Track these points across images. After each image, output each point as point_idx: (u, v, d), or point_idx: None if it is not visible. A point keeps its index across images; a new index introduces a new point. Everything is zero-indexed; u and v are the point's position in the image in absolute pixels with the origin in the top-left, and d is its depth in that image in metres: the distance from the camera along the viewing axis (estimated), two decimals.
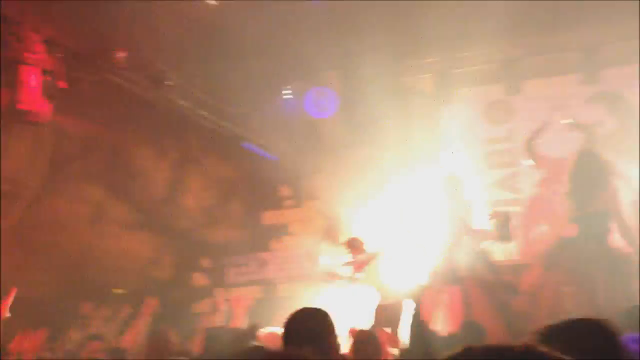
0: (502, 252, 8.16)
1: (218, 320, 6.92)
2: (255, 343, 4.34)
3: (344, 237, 8.55)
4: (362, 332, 4.83)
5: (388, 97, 9.36)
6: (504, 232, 6.82)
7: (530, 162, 7.52)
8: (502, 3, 7.64)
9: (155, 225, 9.67)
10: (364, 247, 7.97)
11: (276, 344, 3.32)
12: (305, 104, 9.16)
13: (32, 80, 6.01)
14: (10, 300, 4.84)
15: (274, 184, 10.31)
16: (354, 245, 8.03)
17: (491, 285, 7.24)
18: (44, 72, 6.16)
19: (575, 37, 8.83)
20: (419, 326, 4.39)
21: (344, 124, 9.43)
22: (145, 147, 9.01)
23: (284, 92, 9.29)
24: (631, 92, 8.68)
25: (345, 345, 4.47)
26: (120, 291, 9.43)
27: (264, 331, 4.96)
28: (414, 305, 4.58)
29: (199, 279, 10.67)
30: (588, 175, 6.60)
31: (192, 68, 8.35)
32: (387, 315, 6.94)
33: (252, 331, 4.96)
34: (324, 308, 3.26)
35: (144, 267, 9.79)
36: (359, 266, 7.78)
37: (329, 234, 8.89)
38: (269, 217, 10.56)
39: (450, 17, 8.23)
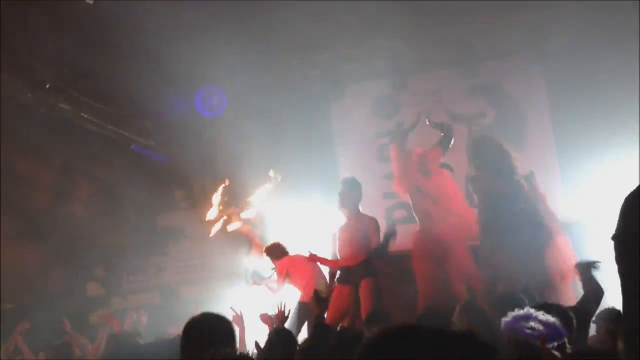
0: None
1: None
2: None
3: (257, 242, 8.55)
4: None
5: (278, 93, 9.41)
6: None
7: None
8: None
9: (42, 235, 9.28)
10: (284, 251, 8.00)
11: None
12: (195, 104, 9.03)
13: None
14: None
15: (167, 187, 10.11)
16: (273, 251, 8.05)
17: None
18: None
19: (453, 32, 9.16)
20: (318, 326, 4.42)
21: (236, 122, 9.38)
22: (28, 154, 8.63)
23: (172, 92, 9.12)
24: (509, 83, 9.10)
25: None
26: (9, 306, 9.01)
27: None
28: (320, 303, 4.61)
29: (94, 289, 10.32)
30: (491, 159, 6.80)
31: (73, 70, 8.07)
32: (305, 313, 6.93)
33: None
34: (224, 313, 3.25)
35: (33, 279, 9.38)
36: (280, 272, 7.80)
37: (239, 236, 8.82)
38: (164, 221, 10.36)
39: (335, 14, 8.35)
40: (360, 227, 6.81)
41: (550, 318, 2.98)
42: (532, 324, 2.96)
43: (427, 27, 9.00)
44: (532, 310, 3.06)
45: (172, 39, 7.84)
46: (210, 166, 9.41)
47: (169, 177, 9.66)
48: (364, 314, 6.21)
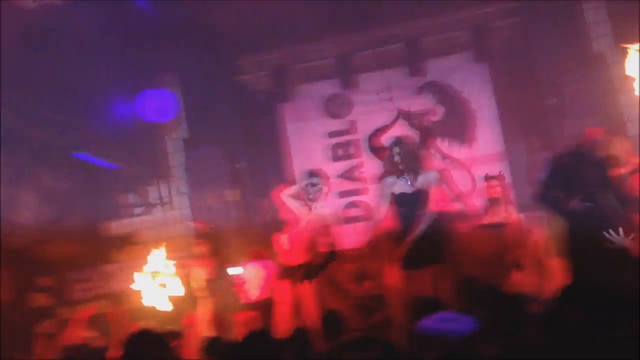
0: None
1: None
2: None
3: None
4: None
5: (228, 95, 9.33)
6: None
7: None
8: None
9: None
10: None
11: None
12: (144, 108, 8.85)
13: None
14: None
15: (115, 193, 9.88)
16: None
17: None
18: None
19: (400, 30, 9.29)
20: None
21: (187, 125, 9.26)
22: None
23: (119, 96, 8.91)
24: (456, 80, 9.28)
25: None
26: None
27: None
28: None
29: (40, 299, 9.98)
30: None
31: (14, 75, 7.78)
32: None
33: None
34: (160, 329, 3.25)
35: None
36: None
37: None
38: (112, 228, 10.11)
39: (282, 14, 8.35)
40: (314, 224, 6.66)
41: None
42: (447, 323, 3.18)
43: (376, 26, 9.09)
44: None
45: (120, 41, 7.66)
46: (162, 171, 9.26)
47: (119, 184, 9.43)
48: (311, 315, 6.11)
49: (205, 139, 9.22)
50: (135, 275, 7.94)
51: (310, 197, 6.22)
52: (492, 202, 6.84)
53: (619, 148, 6.76)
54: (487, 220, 6.80)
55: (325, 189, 6.32)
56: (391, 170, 5.95)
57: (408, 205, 5.83)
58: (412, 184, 5.86)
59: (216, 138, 9.30)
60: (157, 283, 8.19)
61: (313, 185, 6.24)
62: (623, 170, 6.60)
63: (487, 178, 7.01)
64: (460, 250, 6.01)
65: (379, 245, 6.21)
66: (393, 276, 5.97)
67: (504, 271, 6.47)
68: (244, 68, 9.50)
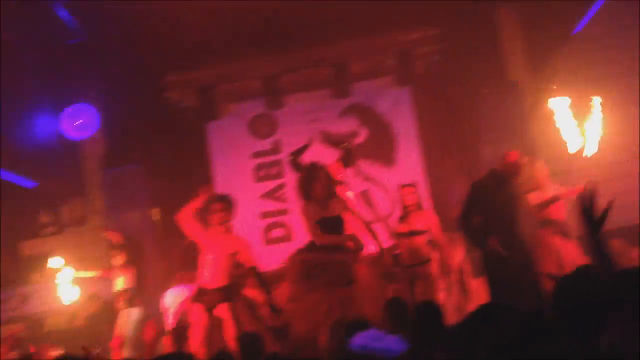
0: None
1: None
2: None
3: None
4: None
5: (153, 113, 9.21)
6: None
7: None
8: (250, 20, 7.98)
9: None
10: None
11: None
12: (64, 124, 8.60)
13: None
14: None
15: (32, 211, 9.56)
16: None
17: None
18: None
19: (326, 52, 9.44)
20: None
21: (108, 142, 9.07)
22: None
23: (38, 111, 8.65)
24: (380, 103, 9.47)
25: None
26: None
27: None
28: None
29: None
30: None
31: None
32: None
33: None
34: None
35: None
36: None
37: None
38: (29, 247, 9.76)
39: (210, 33, 8.34)
40: (227, 248, 6.53)
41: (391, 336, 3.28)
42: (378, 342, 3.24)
43: (303, 48, 9.20)
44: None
45: (39, 55, 7.46)
46: (80, 189, 9.01)
47: (35, 201, 9.13)
48: (229, 338, 6.04)
49: (126, 157, 9.05)
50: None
51: (220, 221, 6.18)
52: (409, 209, 6.93)
53: (537, 171, 7.07)
54: (406, 228, 6.90)
55: (232, 212, 6.28)
56: (305, 194, 6.03)
57: (329, 228, 5.92)
58: (330, 209, 5.96)
59: (137, 156, 9.14)
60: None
61: (222, 209, 6.19)
62: (544, 197, 6.90)
63: (403, 186, 7.12)
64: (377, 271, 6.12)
65: (298, 267, 6.24)
66: (308, 298, 6.02)
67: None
68: (170, 85, 9.41)
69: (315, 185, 5.96)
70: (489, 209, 6.04)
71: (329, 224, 5.94)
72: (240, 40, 8.65)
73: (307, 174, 6.09)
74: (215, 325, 6.14)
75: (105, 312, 8.41)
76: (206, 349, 5.79)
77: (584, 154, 6.88)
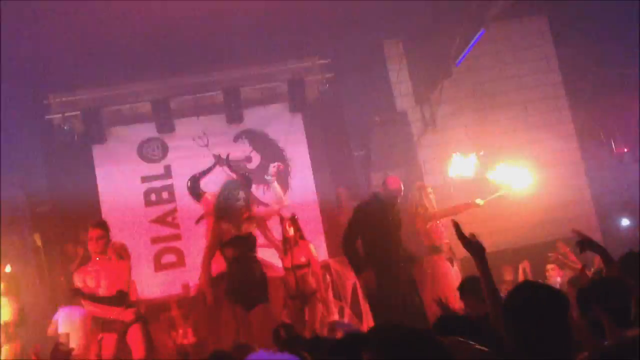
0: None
1: None
2: None
3: None
4: None
5: (36, 135, 8.79)
6: None
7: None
8: (139, 42, 7.86)
9: None
10: None
11: None
12: None
13: None
14: None
15: None
16: None
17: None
18: None
19: (218, 77, 9.42)
20: None
21: None
22: None
23: None
24: (272, 129, 9.55)
25: None
26: None
27: None
28: None
29: None
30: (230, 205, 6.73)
31: None
32: None
33: None
34: None
35: None
36: None
37: None
38: None
39: (97, 54, 8.12)
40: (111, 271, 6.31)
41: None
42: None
43: (194, 72, 9.14)
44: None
45: None
46: None
47: None
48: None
49: (6, 180, 8.54)
50: None
51: (101, 249, 5.95)
52: (291, 242, 6.99)
53: (426, 196, 7.37)
54: (289, 262, 6.93)
55: (110, 238, 6.11)
56: (224, 212, 5.97)
57: (238, 248, 5.89)
58: (239, 228, 5.95)
59: (18, 179, 8.67)
60: None
61: (101, 237, 5.97)
62: (432, 222, 7.20)
63: (281, 220, 7.17)
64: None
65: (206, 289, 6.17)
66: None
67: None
68: (54, 107, 9.01)
69: (234, 205, 5.93)
70: (370, 233, 6.23)
71: (240, 243, 5.91)
72: (128, 62, 8.48)
73: (226, 193, 6.04)
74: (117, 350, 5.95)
75: None
76: None
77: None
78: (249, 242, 5.99)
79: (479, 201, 7.22)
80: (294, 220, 7.08)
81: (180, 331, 7.68)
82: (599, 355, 1.57)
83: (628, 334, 1.81)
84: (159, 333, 7.36)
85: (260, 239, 6.58)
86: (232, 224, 6.01)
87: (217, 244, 5.96)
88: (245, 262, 5.93)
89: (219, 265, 6.20)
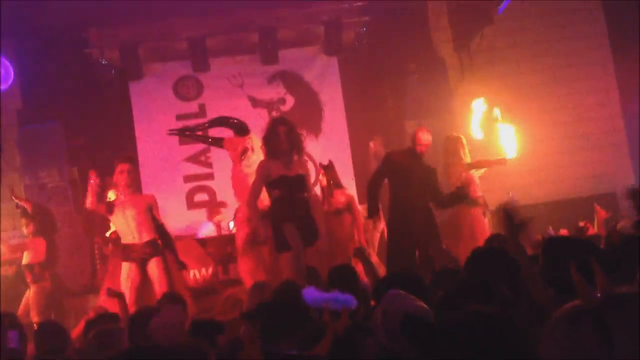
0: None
1: None
2: None
3: None
4: None
5: (73, 69, 8.84)
6: None
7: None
8: None
9: None
10: None
11: None
12: None
13: None
14: None
15: None
16: None
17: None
18: None
19: (254, 17, 9.32)
20: None
21: (23, 96, 8.65)
22: None
23: None
24: (307, 72, 9.49)
25: None
26: None
27: None
28: None
29: None
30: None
31: None
32: None
33: None
34: None
35: None
36: None
37: None
38: None
39: None
40: (142, 205, 6.49)
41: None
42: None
43: (231, 11, 9.05)
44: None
45: None
46: None
47: None
48: (158, 293, 6.02)
49: (43, 113, 8.65)
50: None
51: (128, 182, 6.25)
52: (322, 192, 7.13)
53: (461, 148, 7.26)
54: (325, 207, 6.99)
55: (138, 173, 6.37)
56: (273, 150, 5.92)
57: (288, 187, 5.88)
58: (290, 167, 5.88)
59: (55, 112, 8.76)
60: None
61: (128, 171, 6.26)
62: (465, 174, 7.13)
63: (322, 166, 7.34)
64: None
65: (251, 228, 6.28)
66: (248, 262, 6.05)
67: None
68: (92, 41, 9.02)
69: (281, 140, 5.85)
70: (395, 180, 6.35)
71: (288, 183, 5.86)
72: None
73: (271, 128, 6.01)
74: (144, 282, 6.13)
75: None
76: (137, 307, 5.74)
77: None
78: (297, 183, 5.89)
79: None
80: (327, 169, 7.15)
81: (211, 269, 7.81)
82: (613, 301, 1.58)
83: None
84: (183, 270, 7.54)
85: None
86: (281, 163, 5.90)
87: (263, 182, 5.92)
88: (289, 203, 5.82)
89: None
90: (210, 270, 7.79)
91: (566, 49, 9.09)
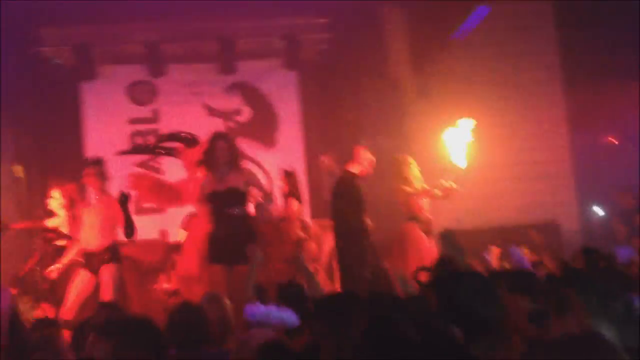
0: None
1: None
2: None
3: None
4: None
5: (23, 67, 8.64)
6: None
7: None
8: None
9: None
10: None
11: None
12: None
13: None
14: None
15: None
16: None
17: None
18: None
19: (213, 27, 9.28)
20: None
21: None
22: None
23: None
24: (265, 84, 9.48)
25: None
26: None
27: None
28: None
29: None
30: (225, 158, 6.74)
31: None
32: None
33: None
34: None
35: None
36: None
37: None
38: None
39: None
40: (106, 209, 6.43)
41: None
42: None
43: (191, 18, 8.98)
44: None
45: None
46: None
47: None
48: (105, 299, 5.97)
49: None
50: None
51: (95, 185, 6.26)
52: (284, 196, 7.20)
53: (407, 168, 7.31)
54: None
55: (105, 176, 6.37)
56: (209, 164, 5.94)
57: (221, 203, 5.86)
58: (222, 181, 5.90)
59: (2, 109, 8.53)
60: None
61: (95, 174, 6.27)
62: (412, 193, 7.15)
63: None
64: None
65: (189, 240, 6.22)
66: (189, 270, 5.99)
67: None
68: (44, 39, 8.84)
69: (218, 155, 5.88)
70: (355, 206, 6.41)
71: (219, 198, 5.86)
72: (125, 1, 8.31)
73: (211, 142, 6.03)
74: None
75: None
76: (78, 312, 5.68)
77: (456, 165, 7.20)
78: (228, 197, 5.91)
79: (436, 192, 7.13)
80: (289, 176, 7.18)
81: (160, 277, 7.71)
82: None
83: None
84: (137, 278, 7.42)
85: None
86: (214, 177, 5.94)
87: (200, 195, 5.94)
88: (220, 217, 5.86)
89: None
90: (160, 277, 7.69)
91: (520, 78, 9.25)
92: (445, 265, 4.52)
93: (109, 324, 3.01)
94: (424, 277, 4.43)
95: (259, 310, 3.72)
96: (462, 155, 7.15)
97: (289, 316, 3.67)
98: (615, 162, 9.46)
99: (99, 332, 2.88)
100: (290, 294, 4.29)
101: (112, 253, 6.20)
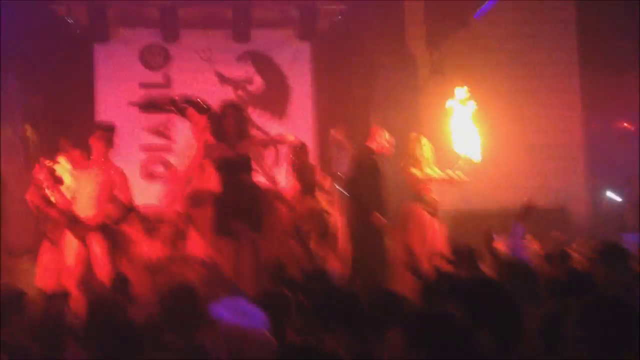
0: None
1: None
2: None
3: None
4: None
5: (36, 24, 8.56)
6: None
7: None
8: None
9: None
10: None
11: None
12: None
13: None
14: None
15: None
16: None
17: None
18: None
19: None
20: None
21: None
22: None
23: None
24: (278, 54, 9.39)
25: None
26: None
27: None
28: None
29: None
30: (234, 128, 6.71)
31: None
32: None
33: None
34: None
35: None
36: None
37: None
38: None
39: None
40: (109, 178, 6.32)
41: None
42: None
43: None
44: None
45: None
46: None
47: None
48: (102, 275, 5.90)
49: (1, 67, 8.36)
50: None
51: (101, 149, 6.15)
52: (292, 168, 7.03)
53: (419, 148, 7.20)
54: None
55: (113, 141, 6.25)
56: (219, 132, 5.89)
57: (230, 170, 5.80)
58: (235, 149, 5.84)
59: (13, 66, 8.49)
60: None
61: (104, 137, 6.17)
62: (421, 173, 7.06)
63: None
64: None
65: (192, 208, 6.14)
66: (198, 241, 5.96)
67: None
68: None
69: (229, 124, 5.82)
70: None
71: (231, 165, 5.80)
72: None
73: (223, 111, 5.97)
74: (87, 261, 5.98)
75: None
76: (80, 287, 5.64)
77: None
78: (240, 164, 5.84)
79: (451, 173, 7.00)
80: (300, 150, 7.04)
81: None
82: None
83: None
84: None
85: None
86: (225, 145, 5.86)
87: (200, 161, 5.90)
88: (232, 185, 5.78)
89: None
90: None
91: (536, 60, 9.16)
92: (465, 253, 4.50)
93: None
94: (440, 262, 4.40)
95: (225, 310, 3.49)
96: (472, 143, 7.01)
97: (259, 321, 3.47)
98: (628, 149, 9.36)
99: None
100: (274, 304, 4.23)
101: (104, 226, 6.06)
